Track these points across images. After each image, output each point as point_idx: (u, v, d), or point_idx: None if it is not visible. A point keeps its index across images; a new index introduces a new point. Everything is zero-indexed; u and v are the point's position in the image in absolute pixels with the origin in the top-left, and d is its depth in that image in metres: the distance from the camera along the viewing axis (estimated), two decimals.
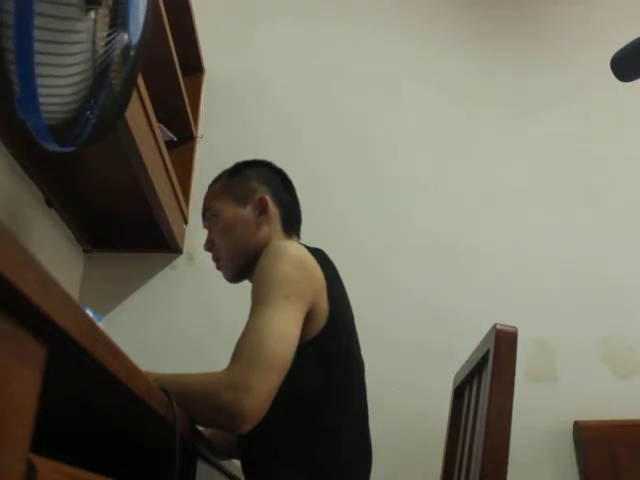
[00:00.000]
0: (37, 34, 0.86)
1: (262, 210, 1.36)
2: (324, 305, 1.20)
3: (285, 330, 1.09)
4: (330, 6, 2.65)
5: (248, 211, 1.36)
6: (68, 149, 1.01)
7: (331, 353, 1.21)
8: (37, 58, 0.86)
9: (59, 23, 0.89)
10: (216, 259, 1.40)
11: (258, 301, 1.13)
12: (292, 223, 1.41)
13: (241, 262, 1.36)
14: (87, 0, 0.92)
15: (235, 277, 1.40)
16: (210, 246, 1.40)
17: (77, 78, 0.94)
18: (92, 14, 0.93)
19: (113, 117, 1.09)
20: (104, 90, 0.97)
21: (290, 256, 1.18)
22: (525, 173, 2.45)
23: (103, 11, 0.95)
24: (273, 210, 1.37)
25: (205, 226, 1.42)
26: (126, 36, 1.02)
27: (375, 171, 2.43)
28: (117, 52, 1.00)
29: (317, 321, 1.19)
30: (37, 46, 0.86)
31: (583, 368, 2.19)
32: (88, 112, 0.97)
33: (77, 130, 0.98)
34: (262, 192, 1.38)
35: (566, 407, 2.14)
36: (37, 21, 0.85)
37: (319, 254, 1.28)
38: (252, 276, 1.25)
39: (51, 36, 0.89)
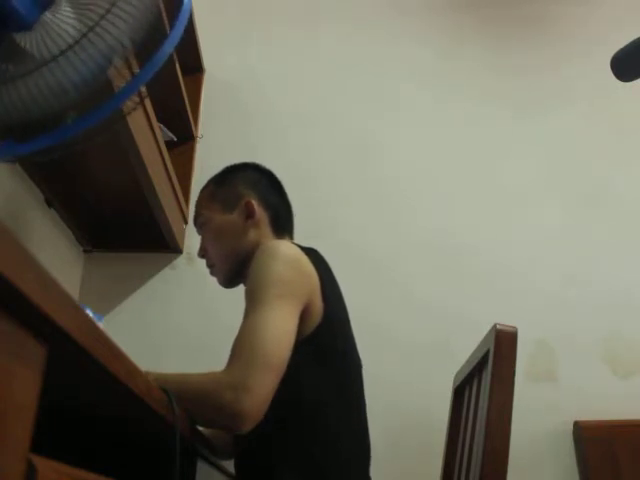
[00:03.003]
0: None
1: (249, 214, 1.37)
2: (318, 304, 1.21)
3: (281, 329, 1.09)
4: (330, 7, 2.65)
5: (235, 217, 1.37)
6: None
7: (327, 352, 1.22)
8: None
9: None
10: (210, 265, 1.43)
11: (253, 301, 1.13)
12: (282, 224, 1.41)
13: (233, 267, 1.37)
14: None
15: (228, 282, 1.42)
16: (204, 253, 1.42)
17: None
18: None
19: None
20: None
21: (283, 255, 1.19)
22: (525, 173, 2.45)
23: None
24: (260, 213, 1.38)
25: (199, 233, 1.44)
26: None
27: (375, 171, 2.43)
28: None
29: (312, 320, 1.20)
30: None
31: (583, 368, 2.19)
32: None
33: None
34: (248, 196, 1.39)
35: (566, 407, 2.14)
36: None
37: (313, 253, 1.28)
38: (245, 280, 1.25)
39: None
